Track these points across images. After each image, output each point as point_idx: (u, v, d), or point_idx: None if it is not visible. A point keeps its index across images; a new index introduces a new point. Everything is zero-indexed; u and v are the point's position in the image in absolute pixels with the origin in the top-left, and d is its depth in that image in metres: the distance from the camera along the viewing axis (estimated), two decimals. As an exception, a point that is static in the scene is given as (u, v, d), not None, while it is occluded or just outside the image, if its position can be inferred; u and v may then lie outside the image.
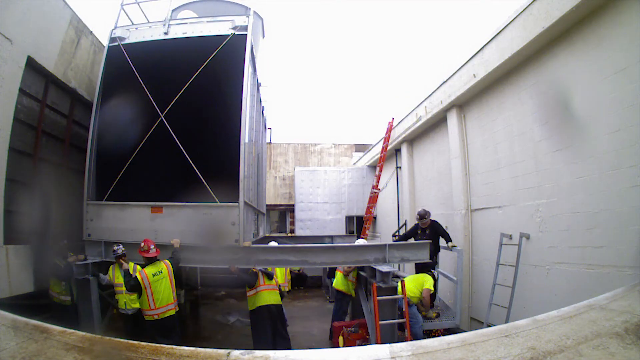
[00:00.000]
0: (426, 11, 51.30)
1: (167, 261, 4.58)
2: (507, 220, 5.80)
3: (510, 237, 5.47)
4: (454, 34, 45.80)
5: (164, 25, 5.53)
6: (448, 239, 6.17)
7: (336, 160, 19.23)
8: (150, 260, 4.46)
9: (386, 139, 11.25)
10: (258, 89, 7.39)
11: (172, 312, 4.53)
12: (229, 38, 5.28)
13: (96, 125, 5.40)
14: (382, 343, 4.33)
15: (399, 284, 4.90)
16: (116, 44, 5.52)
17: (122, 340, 2.30)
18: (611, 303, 2.37)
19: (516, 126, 5.68)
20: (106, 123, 5.42)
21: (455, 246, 6.09)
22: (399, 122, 10.74)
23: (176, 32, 5.51)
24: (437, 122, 8.46)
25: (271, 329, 5.13)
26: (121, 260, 4.68)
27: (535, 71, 5.26)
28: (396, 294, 4.86)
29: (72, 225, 5.61)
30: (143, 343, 2.27)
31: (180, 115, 5.15)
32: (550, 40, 4.86)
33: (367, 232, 12.04)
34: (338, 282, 6.50)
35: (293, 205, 15.38)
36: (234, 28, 5.35)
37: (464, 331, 3.57)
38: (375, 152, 13.19)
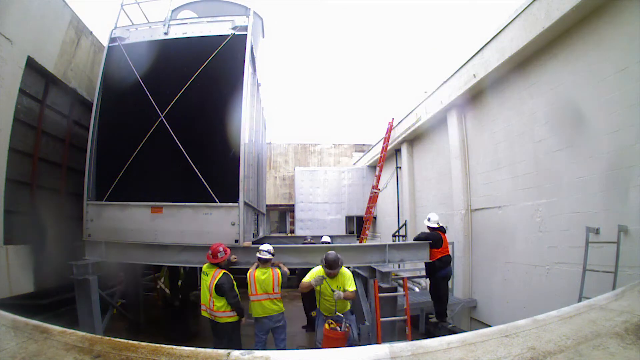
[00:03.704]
0: (426, 11, 51.32)
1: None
2: (507, 220, 5.80)
3: (597, 231, 4.03)
4: (454, 34, 45.78)
5: (164, 25, 5.53)
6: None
7: (336, 160, 19.24)
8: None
9: (386, 139, 11.25)
10: (258, 89, 7.38)
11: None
12: (229, 38, 5.28)
13: (96, 125, 5.39)
14: (382, 340, 4.35)
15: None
16: (116, 44, 5.52)
17: (122, 340, 2.28)
18: (611, 303, 2.37)
19: (516, 126, 5.68)
20: (106, 123, 5.42)
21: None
22: (399, 122, 10.74)
23: (176, 32, 5.50)
24: (437, 122, 8.46)
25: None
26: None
27: (535, 71, 5.26)
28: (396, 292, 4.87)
29: (72, 226, 5.61)
30: (143, 343, 2.26)
31: (180, 115, 5.14)
32: (550, 41, 4.86)
33: (367, 232, 12.04)
34: None
35: (293, 205, 15.39)
36: (234, 28, 5.35)
37: (464, 331, 3.57)
38: (375, 153, 13.19)
